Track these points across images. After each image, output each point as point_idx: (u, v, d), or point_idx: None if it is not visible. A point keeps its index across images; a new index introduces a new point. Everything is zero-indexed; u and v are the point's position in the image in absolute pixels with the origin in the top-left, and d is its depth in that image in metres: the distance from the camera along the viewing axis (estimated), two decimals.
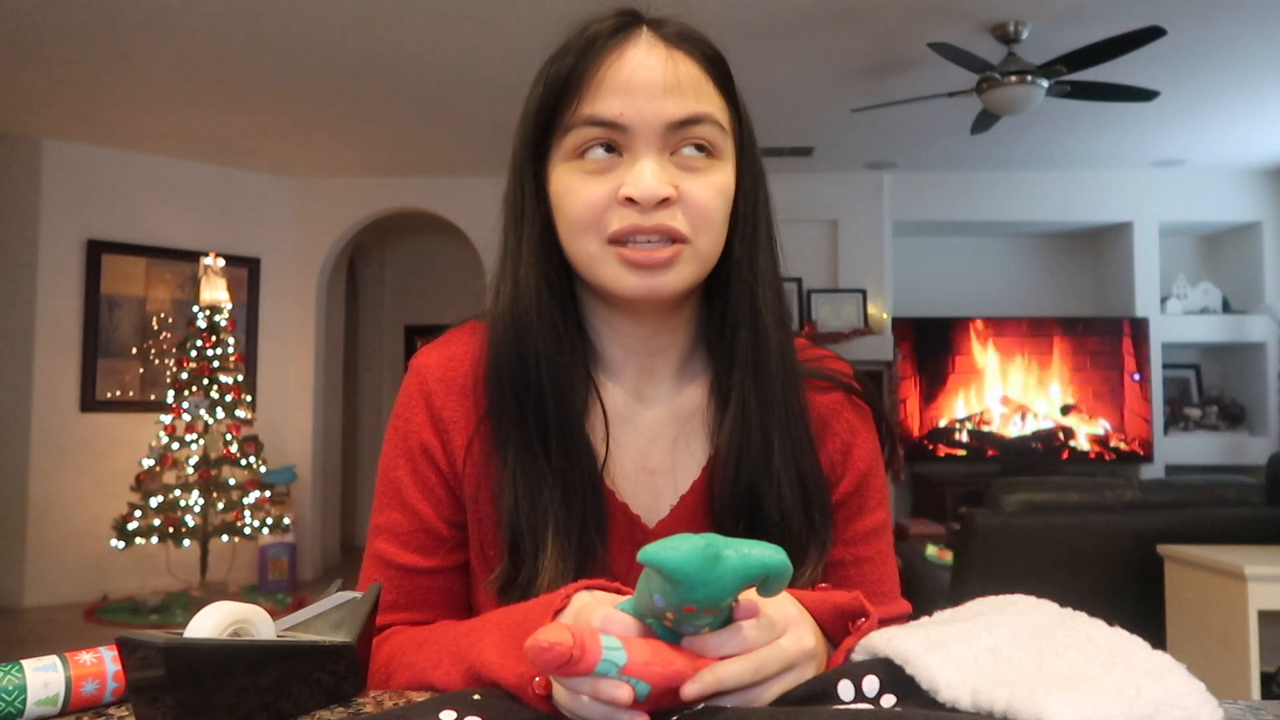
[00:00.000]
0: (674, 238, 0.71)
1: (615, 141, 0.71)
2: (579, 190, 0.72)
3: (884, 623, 0.63)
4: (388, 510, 0.81)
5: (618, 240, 0.71)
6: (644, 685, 0.51)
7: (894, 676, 0.56)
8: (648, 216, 0.70)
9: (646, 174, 0.70)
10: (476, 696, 0.59)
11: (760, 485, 0.75)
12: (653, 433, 0.81)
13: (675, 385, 0.82)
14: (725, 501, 0.77)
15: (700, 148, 0.72)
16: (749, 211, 0.77)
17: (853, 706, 0.55)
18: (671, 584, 0.50)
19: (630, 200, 0.70)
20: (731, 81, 0.76)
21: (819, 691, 0.56)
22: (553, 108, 0.73)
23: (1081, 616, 0.58)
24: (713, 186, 0.72)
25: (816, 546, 0.77)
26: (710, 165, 0.72)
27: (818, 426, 0.81)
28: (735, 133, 0.76)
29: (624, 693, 0.50)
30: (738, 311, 0.77)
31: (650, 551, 0.50)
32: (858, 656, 0.60)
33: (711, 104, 0.73)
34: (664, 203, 0.70)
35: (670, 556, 0.49)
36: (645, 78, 0.70)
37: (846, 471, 0.82)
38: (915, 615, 0.71)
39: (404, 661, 0.72)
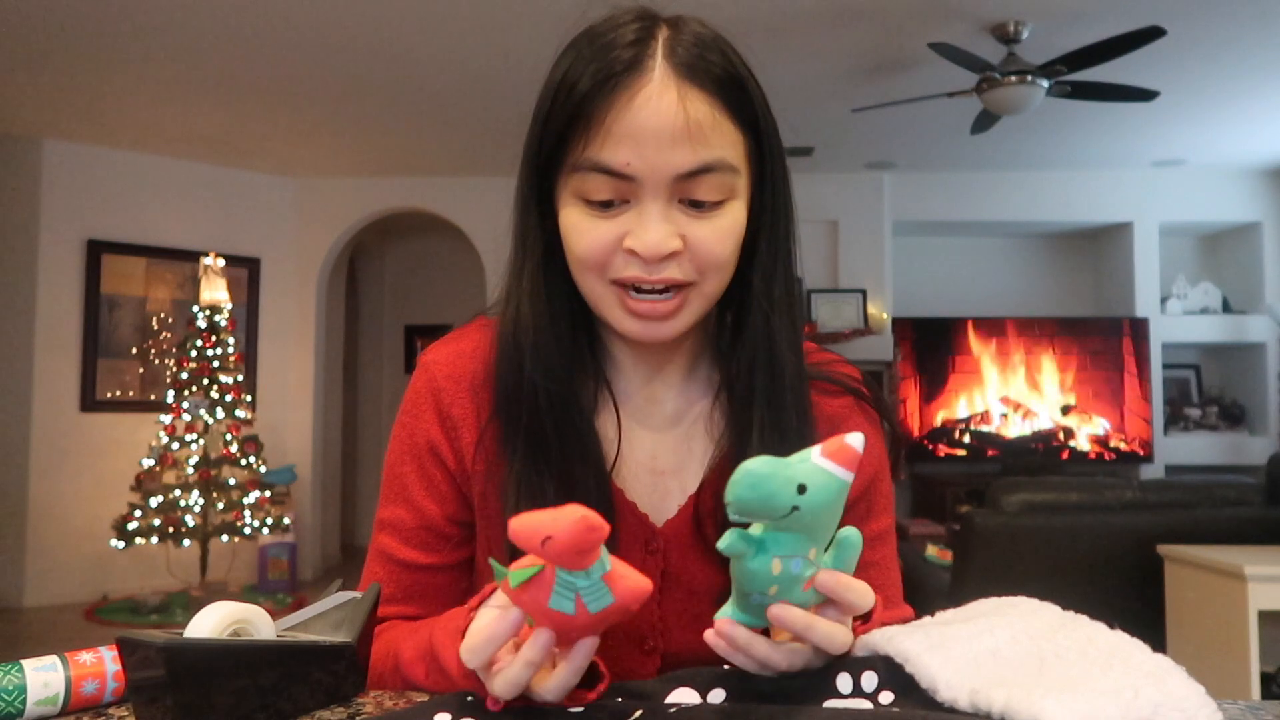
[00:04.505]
0: (679, 287, 0.71)
1: (622, 188, 0.69)
2: (585, 232, 0.70)
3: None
4: (392, 505, 0.82)
5: (622, 285, 0.71)
6: (609, 597, 0.53)
7: (893, 674, 0.56)
8: (652, 270, 0.69)
9: (651, 230, 0.68)
10: (470, 698, 0.59)
11: None
12: (661, 433, 0.81)
13: (684, 388, 0.82)
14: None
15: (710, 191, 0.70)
16: (769, 243, 0.76)
17: (850, 703, 0.55)
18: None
19: (635, 252, 0.69)
20: (750, 103, 0.72)
21: (816, 681, 0.57)
22: (560, 142, 0.70)
23: (1083, 619, 0.58)
24: (721, 230, 0.71)
25: None
26: (720, 206, 0.70)
27: (827, 430, 0.81)
28: (753, 160, 0.73)
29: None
30: (753, 344, 0.76)
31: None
32: (858, 653, 0.60)
33: (723, 143, 0.69)
34: (669, 255, 0.69)
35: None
36: (655, 125, 0.67)
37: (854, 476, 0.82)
38: (916, 616, 0.71)
39: (391, 664, 0.73)
